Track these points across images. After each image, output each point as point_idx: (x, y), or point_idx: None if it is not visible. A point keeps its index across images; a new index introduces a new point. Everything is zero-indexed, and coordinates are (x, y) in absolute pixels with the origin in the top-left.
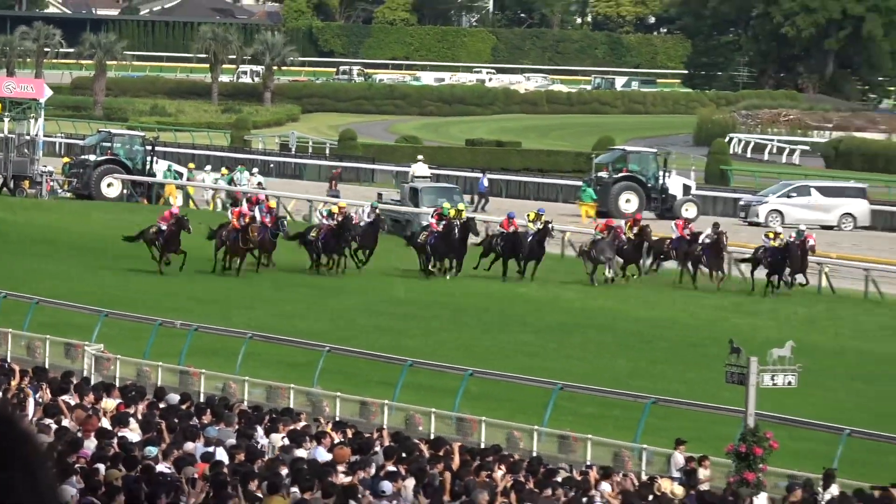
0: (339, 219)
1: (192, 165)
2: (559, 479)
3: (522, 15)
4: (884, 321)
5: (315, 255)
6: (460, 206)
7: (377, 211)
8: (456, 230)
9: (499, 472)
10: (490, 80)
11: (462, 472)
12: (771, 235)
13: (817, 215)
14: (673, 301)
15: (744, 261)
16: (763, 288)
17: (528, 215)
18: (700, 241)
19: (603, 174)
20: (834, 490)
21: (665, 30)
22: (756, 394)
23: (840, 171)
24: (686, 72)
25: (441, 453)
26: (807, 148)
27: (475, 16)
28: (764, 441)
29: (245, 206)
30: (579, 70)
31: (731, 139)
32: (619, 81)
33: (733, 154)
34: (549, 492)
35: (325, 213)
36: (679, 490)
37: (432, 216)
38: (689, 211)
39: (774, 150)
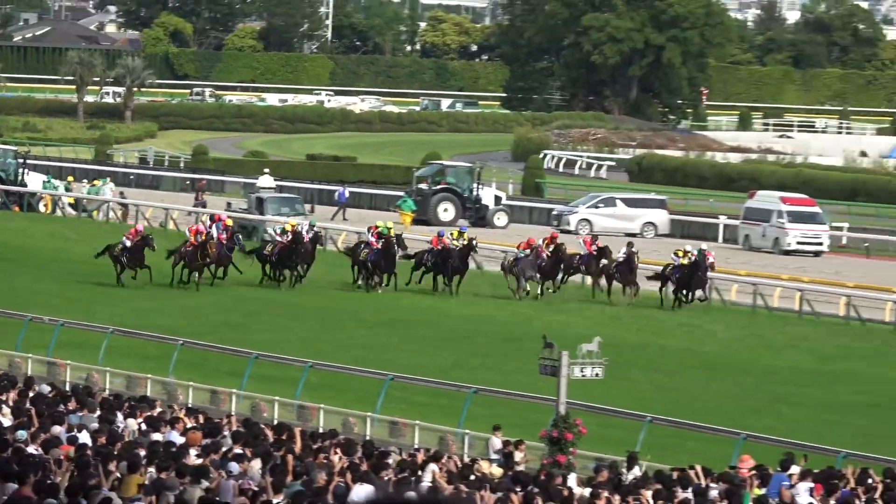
0: (291, 236)
1: (70, 178)
2: (390, 461)
3: (358, 43)
4: (682, 320)
5: (273, 270)
6: (388, 223)
7: (315, 229)
8: (395, 247)
9: (336, 455)
10: (328, 101)
11: (303, 455)
12: (680, 253)
13: (622, 224)
14: (492, 300)
15: (653, 278)
16: (672, 302)
17: (452, 233)
18: (615, 259)
19: (423, 186)
20: (637, 471)
21: (486, 57)
22: (567, 384)
23: (642, 184)
24: (505, 95)
25: (284, 437)
26: (613, 163)
27: (315, 43)
28: (574, 427)
29: (201, 225)
30: (409, 93)
31: (545, 155)
32: (445, 103)
33: (547, 169)
34: (381, 473)
35: (278, 231)
36: (497, 471)
37: (371, 234)
38: (500, 220)
39: (584, 166)
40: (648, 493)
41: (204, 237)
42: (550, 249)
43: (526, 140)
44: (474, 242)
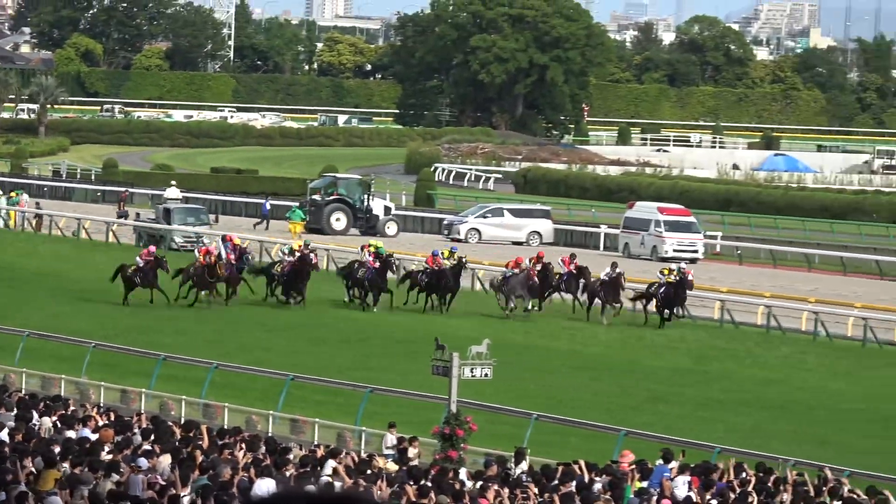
0: (298, 256)
1: (14, 193)
2: (291, 456)
3: (259, 62)
4: (565, 323)
5: (281, 289)
6: (379, 243)
7: (309, 248)
8: (394, 267)
9: (240, 451)
10: (231, 117)
11: (209, 451)
12: (666, 272)
13: (509, 233)
14: (387, 304)
15: (638, 297)
16: (659, 320)
17: (443, 252)
18: (600, 278)
19: (317, 197)
20: (524, 465)
21: (380, 76)
22: (457, 384)
23: (528, 195)
24: (398, 111)
25: (191, 434)
26: (500, 176)
27: (218, 63)
28: (464, 424)
29: (212, 246)
30: (307, 109)
31: (436, 168)
32: (341, 119)
33: (438, 181)
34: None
35: (286, 251)
36: (393, 466)
37: (368, 254)
38: (390, 229)
39: (473, 178)
40: (535, 487)
41: (213, 258)
42: (537, 269)
43: (418, 154)
44: (464, 261)
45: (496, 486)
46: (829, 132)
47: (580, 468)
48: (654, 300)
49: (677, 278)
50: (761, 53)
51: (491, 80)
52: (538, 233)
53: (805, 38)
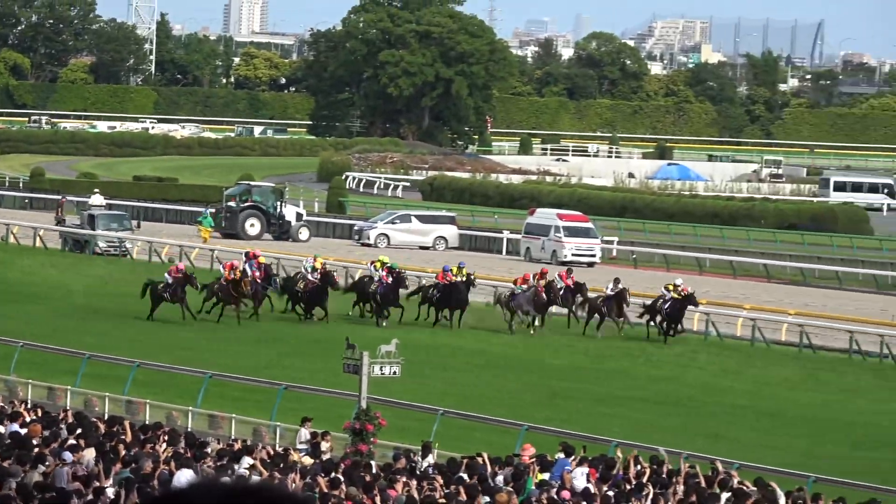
0: (321, 274)
1: None
2: (209, 450)
3: (178, 76)
4: (470, 322)
5: (301, 306)
6: (383, 258)
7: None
8: (406, 283)
9: (161, 445)
10: (152, 128)
11: (132, 444)
12: (671, 288)
13: (416, 238)
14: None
15: (644, 312)
16: (664, 335)
17: (452, 269)
18: (605, 293)
19: (232, 204)
20: (430, 459)
21: (294, 89)
22: (368, 381)
23: (434, 202)
24: (311, 122)
25: (115, 429)
26: (408, 184)
27: (140, 76)
28: (374, 419)
29: (236, 261)
30: (225, 120)
31: (347, 177)
32: (257, 130)
33: (349, 189)
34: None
35: (309, 269)
36: (308, 460)
37: (381, 269)
38: (303, 234)
39: (382, 186)
40: (441, 479)
41: (238, 274)
42: (542, 285)
43: (330, 163)
44: (472, 277)
45: (404, 479)
46: (720, 143)
47: (483, 461)
48: (659, 315)
49: (683, 294)
50: (655, 68)
51: (399, 93)
52: (444, 238)
53: (697, 54)
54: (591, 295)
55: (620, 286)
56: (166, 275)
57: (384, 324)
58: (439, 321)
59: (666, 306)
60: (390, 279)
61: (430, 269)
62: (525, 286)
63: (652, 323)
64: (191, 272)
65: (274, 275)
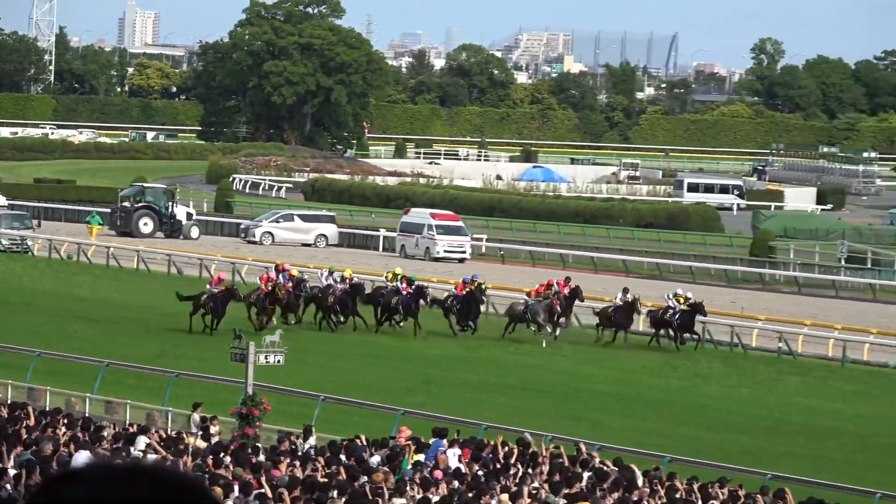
0: (350, 284)
1: None
2: (106, 433)
3: (77, 85)
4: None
5: (337, 317)
6: (397, 269)
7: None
8: (427, 295)
9: (61, 429)
10: (52, 133)
11: (33, 429)
12: (681, 300)
13: (299, 236)
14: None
15: (656, 324)
16: (676, 344)
17: (471, 281)
18: (614, 302)
19: (126, 204)
20: (311, 441)
21: (184, 97)
22: (253, 369)
23: (316, 202)
24: (200, 128)
25: (17, 414)
26: (290, 186)
27: (41, 85)
28: (260, 405)
29: (272, 273)
30: (119, 126)
31: (234, 179)
32: (150, 135)
33: (236, 190)
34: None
35: (338, 279)
36: (202, 443)
37: (394, 280)
38: (193, 232)
39: (267, 187)
40: (323, 460)
41: (274, 284)
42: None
43: (218, 166)
44: (484, 286)
45: (288, 460)
46: (581, 147)
47: (361, 442)
48: (670, 326)
49: (692, 304)
50: (521, 77)
51: (282, 101)
52: (325, 236)
53: (559, 64)
54: (601, 305)
55: (629, 296)
56: (209, 286)
57: (401, 325)
58: (466, 330)
59: (676, 317)
60: (411, 290)
61: (436, 279)
62: (540, 298)
63: (662, 333)
64: (233, 285)
65: (304, 280)
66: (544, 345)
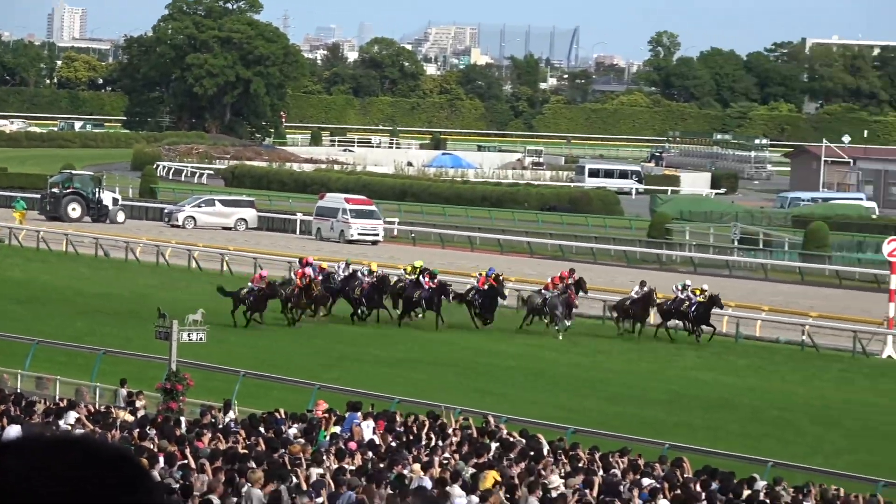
0: (377, 276)
1: None
2: (37, 408)
3: (7, 77)
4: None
5: (363, 309)
6: (417, 263)
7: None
8: (449, 291)
9: None
10: None
11: None
12: (698, 292)
13: (220, 220)
14: (120, 281)
15: (673, 316)
16: (693, 336)
17: (481, 273)
18: (630, 295)
19: (55, 190)
20: (231, 415)
21: (110, 88)
22: (177, 346)
23: (236, 188)
24: (125, 118)
25: None
26: (212, 172)
27: None
28: (183, 380)
29: (307, 269)
30: (49, 117)
31: (157, 166)
32: (78, 125)
33: (160, 176)
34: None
35: (365, 272)
36: (129, 417)
37: (423, 275)
38: (119, 217)
39: (189, 174)
40: (243, 432)
41: (309, 280)
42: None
43: (142, 154)
44: (501, 278)
45: (209, 433)
46: (488, 135)
47: (280, 416)
48: (685, 318)
49: (708, 297)
50: (430, 69)
51: (204, 92)
52: (244, 219)
53: (467, 56)
54: (618, 298)
55: (646, 288)
56: (250, 283)
57: (421, 315)
58: (488, 322)
59: (692, 309)
60: (433, 284)
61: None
62: (555, 291)
63: (679, 324)
64: (273, 281)
65: (333, 274)
66: (560, 337)
